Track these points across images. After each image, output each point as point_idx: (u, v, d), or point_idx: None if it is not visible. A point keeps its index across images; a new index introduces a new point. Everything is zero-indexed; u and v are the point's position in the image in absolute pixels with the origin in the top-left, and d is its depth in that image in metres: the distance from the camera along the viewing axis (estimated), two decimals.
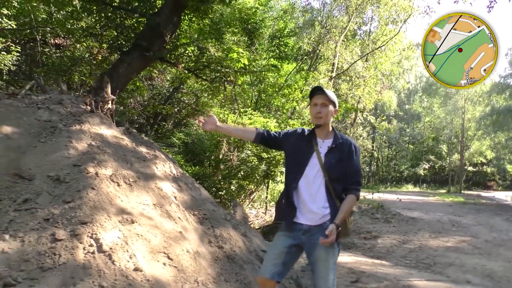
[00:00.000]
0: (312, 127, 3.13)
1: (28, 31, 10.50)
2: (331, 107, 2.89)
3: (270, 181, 13.12)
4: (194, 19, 8.59)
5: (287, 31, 16.10)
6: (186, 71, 8.62)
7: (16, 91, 4.99)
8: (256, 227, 10.57)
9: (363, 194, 14.29)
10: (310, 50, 17.21)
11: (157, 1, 8.18)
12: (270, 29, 16.13)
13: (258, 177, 11.75)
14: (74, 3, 7.99)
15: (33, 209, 3.51)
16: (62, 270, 3.04)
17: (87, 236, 3.39)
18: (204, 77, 8.61)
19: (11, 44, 10.17)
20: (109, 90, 5.38)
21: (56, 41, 10.94)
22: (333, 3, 16.99)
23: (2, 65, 9.80)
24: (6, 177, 3.80)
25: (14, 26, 9.89)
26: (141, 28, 7.90)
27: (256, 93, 15.07)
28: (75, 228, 3.40)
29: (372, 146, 41.74)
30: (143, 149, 5.36)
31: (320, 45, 16.25)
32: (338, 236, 2.82)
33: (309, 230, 2.86)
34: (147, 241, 3.80)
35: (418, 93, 47.66)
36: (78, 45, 10.03)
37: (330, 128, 2.98)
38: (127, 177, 4.46)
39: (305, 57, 17.78)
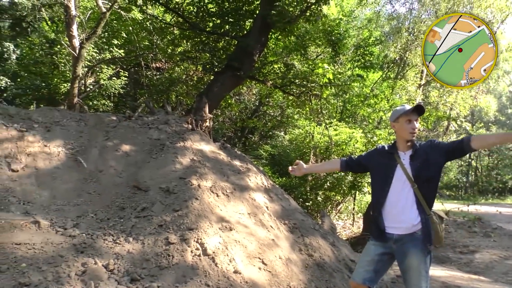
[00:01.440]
0: (391, 142, 3.24)
1: (133, 57, 11.82)
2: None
3: (357, 192, 13.01)
4: (280, 37, 9.03)
5: (372, 40, 15.94)
6: (274, 87, 9.09)
7: (131, 114, 5.79)
8: (344, 238, 10.59)
9: (458, 206, 13.46)
10: (397, 57, 16.79)
11: (246, 24, 8.77)
12: (354, 38, 16.09)
13: (344, 188, 11.76)
14: (174, 31, 8.92)
15: (150, 216, 4.12)
16: (175, 269, 3.54)
17: (194, 240, 3.88)
18: (291, 92, 9.01)
19: (120, 70, 11.55)
20: (207, 109, 5.98)
21: (157, 65, 12.18)
22: (420, 8, 16.45)
23: (113, 89, 11.17)
24: (128, 188, 4.49)
25: (123, 54, 11.23)
26: (232, 50, 8.52)
27: (341, 103, 15.09)
28: (184, 234, 3.91)
29: (470, 155, 38.75)
30: (237, 163, 5.85)
31: (408, 52, 15.79)
32: (431, 244, 2.90)
33: (401, 239, 2.93)
34: (244, 247, 4.20)
35: None
36: (176, 67, 11.06)
37: None
38: (225, 189, 4.94)
39: (392, 65, 17.38)
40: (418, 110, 2.98)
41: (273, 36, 9.01)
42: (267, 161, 14.39)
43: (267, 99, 15.34)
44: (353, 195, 13.81)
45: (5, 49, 17.01)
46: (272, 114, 17.79)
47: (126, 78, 11.57)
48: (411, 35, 16.01)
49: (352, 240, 10.52)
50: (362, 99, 14.27)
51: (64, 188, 4.27)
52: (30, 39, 14.29)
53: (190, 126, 5.79)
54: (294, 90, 8.97)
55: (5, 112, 4.98)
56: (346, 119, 15.20)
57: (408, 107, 3.02)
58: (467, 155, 37.65)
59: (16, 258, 3.08)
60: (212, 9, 8.81)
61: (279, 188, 6.32)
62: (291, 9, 7.10)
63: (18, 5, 16.51)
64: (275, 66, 9.41)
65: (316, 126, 12.08)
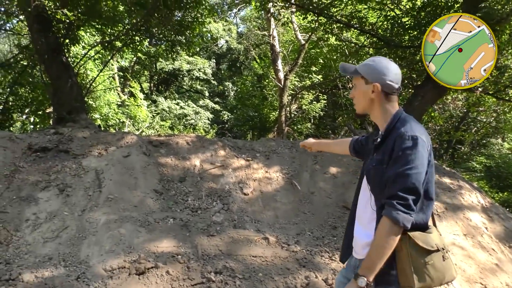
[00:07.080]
0: None
1: (330, 81, 12.49)
2: (363, 85, 1.82)
3: None
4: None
5: None
6: (484, 94, 8.20)
7: (334, 137, 6.22)
8: None
9: None
10: None
11: None
12: None
13: None
14: (369, 51, 9.10)
15: None
16: None
17: None
18: (507, 98, 7.93)
19: (319, 94, 12.38)
20: None
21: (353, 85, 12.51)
22: None
23: (314, 112, 12.03)
24: (337, 208, 4.86)
25: (321, 79, 12.02)
26: None
27: None
28: None
29: None
30: (446, 180, 5.57)
31: None
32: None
33: (357, 267, 1.91)
34: (461, 270, 4.00)
35: None
36: None
37: (388, 115, 1.81)
38: (435, 208, 4.79)
39: None
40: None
41: None
42: (481, 174, 12.85)
43: (476, 106, 13.77)
44: None
45: (225, 88, 20.46)
46: (484, 120, 15.84)
47: (325, 101, 12.29)
48: None
49: None
50: None
51: (284, 208, 4.92)
52: (243, 76, 16.77)
53: None
54: (510, 95, 7.88)
55: (235, 144, 6.06)
56: None
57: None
58: None
59: (254, 268, 3.74)
60: (407, 23, 8.63)
61: (499, 207, 5.70)
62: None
63: (233, 49, 19.65)
64: None
65: None
